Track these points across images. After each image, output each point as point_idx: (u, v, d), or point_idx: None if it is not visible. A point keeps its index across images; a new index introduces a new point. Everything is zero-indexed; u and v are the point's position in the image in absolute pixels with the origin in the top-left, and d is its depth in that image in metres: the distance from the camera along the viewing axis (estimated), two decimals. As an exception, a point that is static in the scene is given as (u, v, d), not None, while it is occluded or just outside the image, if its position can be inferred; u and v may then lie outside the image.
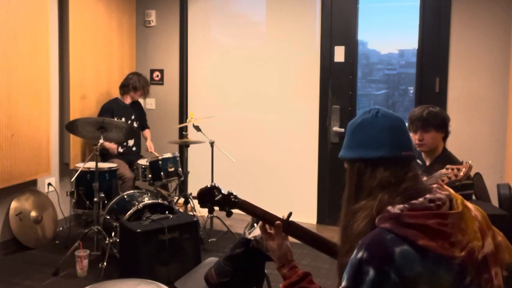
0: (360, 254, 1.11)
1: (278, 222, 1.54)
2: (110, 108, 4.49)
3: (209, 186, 1.63)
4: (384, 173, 1.21)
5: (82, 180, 3.84)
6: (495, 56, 4.07)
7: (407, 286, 1.07)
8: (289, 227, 1.57)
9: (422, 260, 1.08)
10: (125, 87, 4.62)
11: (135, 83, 4.60)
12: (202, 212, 4.36)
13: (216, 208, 1.62)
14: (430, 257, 1.09)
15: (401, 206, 1.15)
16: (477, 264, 1.14)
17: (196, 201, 4.62)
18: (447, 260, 1.10)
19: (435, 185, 1.26)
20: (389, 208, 1.15)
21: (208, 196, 1.61)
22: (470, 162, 2.22)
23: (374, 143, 1.25)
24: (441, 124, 2.65)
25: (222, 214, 1.57)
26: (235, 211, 1.64)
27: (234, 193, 1.63)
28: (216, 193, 1.61)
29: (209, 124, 4.45)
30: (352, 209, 1.24)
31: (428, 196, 1.17)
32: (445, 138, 2.71)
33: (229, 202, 1.61)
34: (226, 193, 1.62)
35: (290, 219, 1.60)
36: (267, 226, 1.57)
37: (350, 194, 1.28)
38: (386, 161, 1.22)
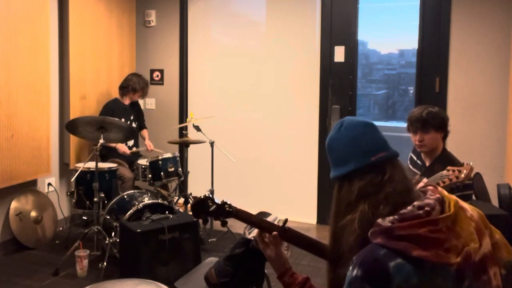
0: (355, 272, 1.12)
1: (275, 232, 1.53)
2: (111, 109, 4.49)
3: (202, 197, 1.60)
4: (360, 183, 1.21)
5: (82, 180, 3.84)
6: (495, 56, 4.07)
7: None
8: (285, 233, 1.56)
9: (418, 272, 1.08)
10: (124, 88, 4.62)
11: (134, 85, 4.60)
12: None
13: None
14: (426, 267, 1.08)
15: (391, 218, 1.14)
16: (475, 267, 1.13)
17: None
18: (443, 267, 1.09)
19: (430, 187, 1.26)
20: (379, 221, 1.14)
21: (202, 207, 1.59)
22: (471, 163, 2.22)
23: (343, 159, 1.26)
24: (440, 124, 2.65)
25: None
26: None
27: (229, 202, 1.60)
28: (210, 203, 1.58)
29: (209, 124, 4.45)
30: (339, 226, 1.24)
31: (416, 203, 1.16)
32: (444, 138, 2.71)
33: (224, 212, 1.59)
34: (220, 203, 1.59)
35: (285, 225, 1.59)
36: (264, 235, 1.56)
37: (334, 212, 1.28)
38: (358, 172, 1.23)
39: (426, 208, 1.14)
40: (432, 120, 2.62)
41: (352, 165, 1.23)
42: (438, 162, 2.59)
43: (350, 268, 1.13)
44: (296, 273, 1.49)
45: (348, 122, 1.29)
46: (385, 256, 1.10)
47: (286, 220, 1.59)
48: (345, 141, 1.26)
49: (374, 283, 1.08)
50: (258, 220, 1.58)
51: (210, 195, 1.61)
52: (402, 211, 1.15)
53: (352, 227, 1.20)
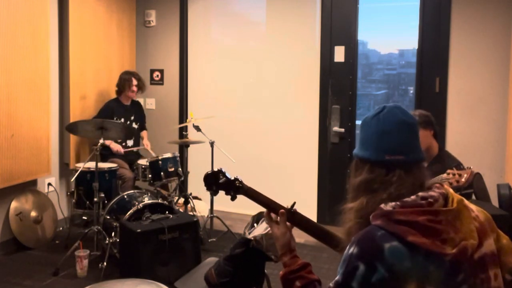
0: (351, 250, 1.15)
1: (282, 210, 1.57)
2: (110, 108, 4.49)
3: (215, 169, 1.66)
4: (367, 175, 1.23)
5: (82, 180, 3.84)
6: (495, 56, 4.07)
7: (396, 281, 1.09)
8: (293, 216, 1.59)
9: (412, 256, 1.10)
10: (116, 88, 4.61)
11: (119, 82, 4.56)
12: (202, 212, 4.36)
13: (222, 192, 1.65)
14: (420, 253, 1.10)
15: (393, 203, 1.17)
16: (472, 263, 1.14)
17: (196, 201, 4.63)
18: (437, 256, 1.11)
19: (436, 184, 1.26)
20: (382, 205, 1.17)
21: (213, 178, 1.65)
22: (472, 167, 2.21)
23: (365, 143, 1.27)
24: (426, 121, 2.65)
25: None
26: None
27: (240, 179, 1.65)
28: (221, 176, 1.65)
29: (209, 124, 4.45)
30: (344, 207, 1.28)
31: (420, 194, 1.19)
32: (435, 136, 2.70)
33: (234, 186, 1.64)
34: (231, 178, 1.65)
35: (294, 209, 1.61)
36: (272, 214, 1.59)
37: (348, 190, 1.31)
38: (371, 163, 1.24)
39: (429, 199, 1.17)
40: (417, 119, 2.62)
41: (368, 154, 1.25)
42: (437, 162, 2.59)
43: (348, 246, 1.17)
44: (298, 257, 1.50)
45: (387, 112, 1.27)
46: (381, 237, 1.12)
47: (294, 204, 1.61)
48: (373, 129, 1.27)
49: (368, 262, 1.11)
50: (267, 200, 1.62)
51: (223, 170, 1.66)
52: (405, 199, 1.17)
53: (349, 216, 1.24)
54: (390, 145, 1.24)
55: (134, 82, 4.56)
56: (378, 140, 1.24)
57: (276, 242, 1.55)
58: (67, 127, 3.75)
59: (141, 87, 4.65)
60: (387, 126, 1.25)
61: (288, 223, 1.57)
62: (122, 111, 4.55)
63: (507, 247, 1.28)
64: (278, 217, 1.57)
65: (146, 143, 4.72)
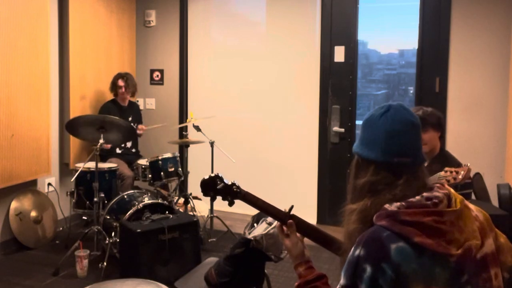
0: (357, 252, 1.13)
1: (290, 221, 1.55)
2: (107, 109, 4.47)
3: (212, 175, 1.66)
4: (372, 177, 1.21)
5: (82, 180, 3.84)
6: (495, 56, 4.07)
7: (403, 282, 1.08)
8: (290, 219, 1.58)
9: (418, 257, 1.09)
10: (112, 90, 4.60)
11: (110, 86, 4.55)
12: (202, 212, 4.36)
13: (219, 197, 1.64)
14: (426, 254, 1.10)
15: (398, 204, 1.15)
16: (475, 263, 1.14)
17: (196, 201, 4.63)
18: (443, 257, 1.10)
19: (437, 184, 1.26)
20: (386, 206, 1.16)
21: (211, 185, 1.64)
22: (469, 164, 2.21)
23: (370, 143, 1.24)
24: (437, 123, 2.63)
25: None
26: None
27: (237, 184, 1.64)
28: (218, 182, 1.64)
29: (209, 124, 4.45)
30: (346, 208, 1.26)
31: (425, 194, 1.17)
32: (441, 137, 2.70)
33: (231, 192, 1.63)
34: (229, 183, 1.64)
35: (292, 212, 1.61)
36: (283, 227, 1.57)
37: (349, 189, 1.29)
38: (377, 164, 1.22)
39: (434, 200, 1.16)
40: (429, 119, 2.60)
41: (374, 155, 1.22)
42: (437, 162, 2.58)
43: (353, 248, 1.15)
44: (314, 267, 1.49)
45: (395, 112, 1.23)
46: (388, 238, 1.11)
47: (291, 207, 1.61)
48: (381, 129, 1.22)
49: (375, 263, 1.09)
50: (264, 204, 1.61)
51: (220, 175, 1.65)
52: (410, 199, 1.16)
53: (352, 218, 1.22)
54: (399, 147, 1.21)
55: (121, 83, 4.50)
56: (387, 141, 1.21)
57: (289, 253, 1.54)
58: (67, 126, 3.73)
59: (128, 87, 4.52)
60: (396, 127, 1.22)
61: (299, 234, 1.55)
62: (119, 112, 4.53)
63: (505, 245, 1.28)
64: (288, 229, 1.55)
65: (140, 126, 4.67)
